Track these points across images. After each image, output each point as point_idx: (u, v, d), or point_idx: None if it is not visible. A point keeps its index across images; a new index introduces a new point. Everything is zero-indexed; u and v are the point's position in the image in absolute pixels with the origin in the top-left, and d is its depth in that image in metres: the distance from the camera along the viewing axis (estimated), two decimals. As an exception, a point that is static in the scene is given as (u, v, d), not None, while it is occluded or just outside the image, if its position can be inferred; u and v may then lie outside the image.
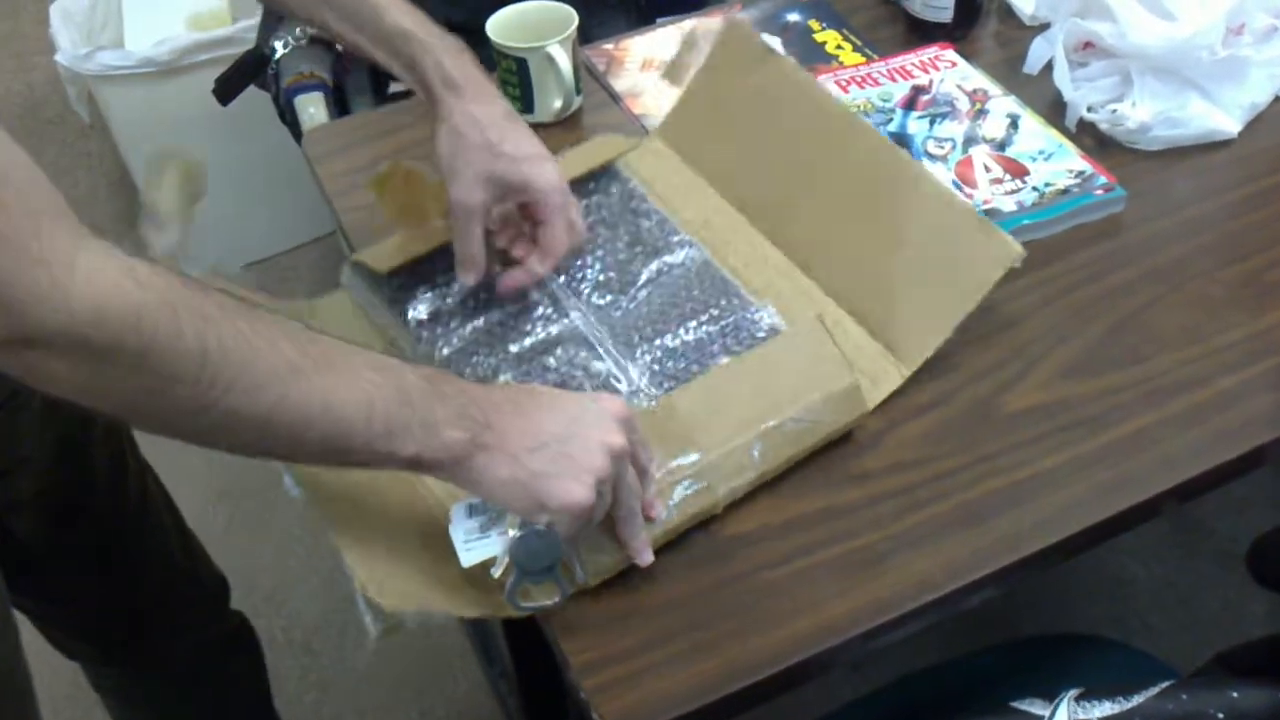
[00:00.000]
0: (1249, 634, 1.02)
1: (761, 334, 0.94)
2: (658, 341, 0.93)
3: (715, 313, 0.96)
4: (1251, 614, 1.66)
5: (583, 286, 0.99)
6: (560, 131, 1.19)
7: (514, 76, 1.17)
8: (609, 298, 0.98)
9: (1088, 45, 1.19)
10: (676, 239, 1.01)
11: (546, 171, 0.90)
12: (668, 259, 1.00)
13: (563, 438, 0.73)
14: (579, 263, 1.00)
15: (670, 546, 0.82)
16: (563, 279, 0.99)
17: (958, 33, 1.26)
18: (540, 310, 0.97)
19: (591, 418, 0.74)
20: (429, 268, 0.99)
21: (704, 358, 0.93)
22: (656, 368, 0.92)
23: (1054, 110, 1.15)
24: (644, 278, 0.99)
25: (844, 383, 0.87)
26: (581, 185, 1.05)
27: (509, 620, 1.31)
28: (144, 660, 1.21)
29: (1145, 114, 1.10)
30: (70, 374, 0.59)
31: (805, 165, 1.01)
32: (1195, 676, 0.92)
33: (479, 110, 0.90)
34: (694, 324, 0.95)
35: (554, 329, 0.95)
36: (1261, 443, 0.88)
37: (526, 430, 0.73)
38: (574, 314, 0.96)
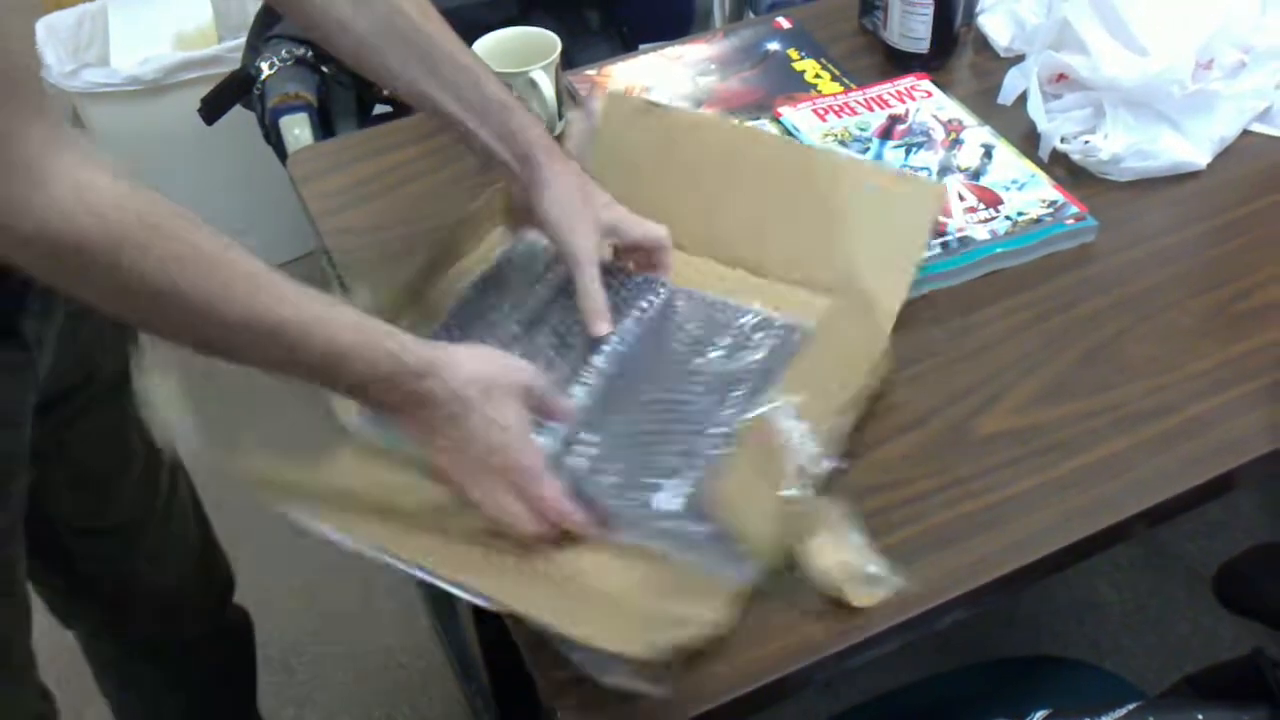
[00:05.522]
0: (1218, 657, 1.04)
1: (776, 330, 0.95)
2: (686, 391, 0.92)
3: (723, 329, 0.96)
4: (1221, 637, 1.68)
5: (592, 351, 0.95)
6: (543, 155, 1.20)
7: (498, 101, 1.18)
8: (619, 347, 0.95)
9: (1061, 77, 1.21)
10: (641, 282, 0.99)
11: (650, 225, 0.97)
12: (643, 303, 0.98)
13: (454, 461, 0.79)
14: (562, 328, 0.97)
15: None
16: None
17: (934, 63, 1.28)
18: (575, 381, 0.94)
19: (488, 470, 0.79)
20: None
21: (733, 376, 0.93)
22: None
23: (1027, 140, 1.17)
24: (629, 323, 0.97)
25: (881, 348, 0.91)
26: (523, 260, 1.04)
27: (486, 639, 1.32)
28: (144, 640, 1.24)
29: (1117, 145, 1.13)
30: (18, 256, 0.63)
31: (721, 185, 1.03)
32: (1162, 698, 0.93)
33: (574, 172, 0.95)
34: (711, 351, 0.95)
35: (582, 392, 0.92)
36: (1230, 468, 0.90)
37: (437, 437, 0.79)
38: (598, 365, 0.93)
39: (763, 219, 1.01)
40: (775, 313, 0.97)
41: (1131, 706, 0.79)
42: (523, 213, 0.96)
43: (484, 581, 0.76)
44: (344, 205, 1.17)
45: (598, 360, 0.93)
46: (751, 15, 1.90)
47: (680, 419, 0.90)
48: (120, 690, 1.33)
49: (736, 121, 1.15)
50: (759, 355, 0.93)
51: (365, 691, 1.73)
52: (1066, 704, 0.82)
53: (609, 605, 0.79)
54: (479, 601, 0.74)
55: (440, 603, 1.70)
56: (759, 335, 0.95)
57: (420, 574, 0.76)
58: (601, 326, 0.93)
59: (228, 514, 1.28)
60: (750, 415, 0.87)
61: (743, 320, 0.97)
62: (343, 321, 0.73)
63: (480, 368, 0.79)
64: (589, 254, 0.93)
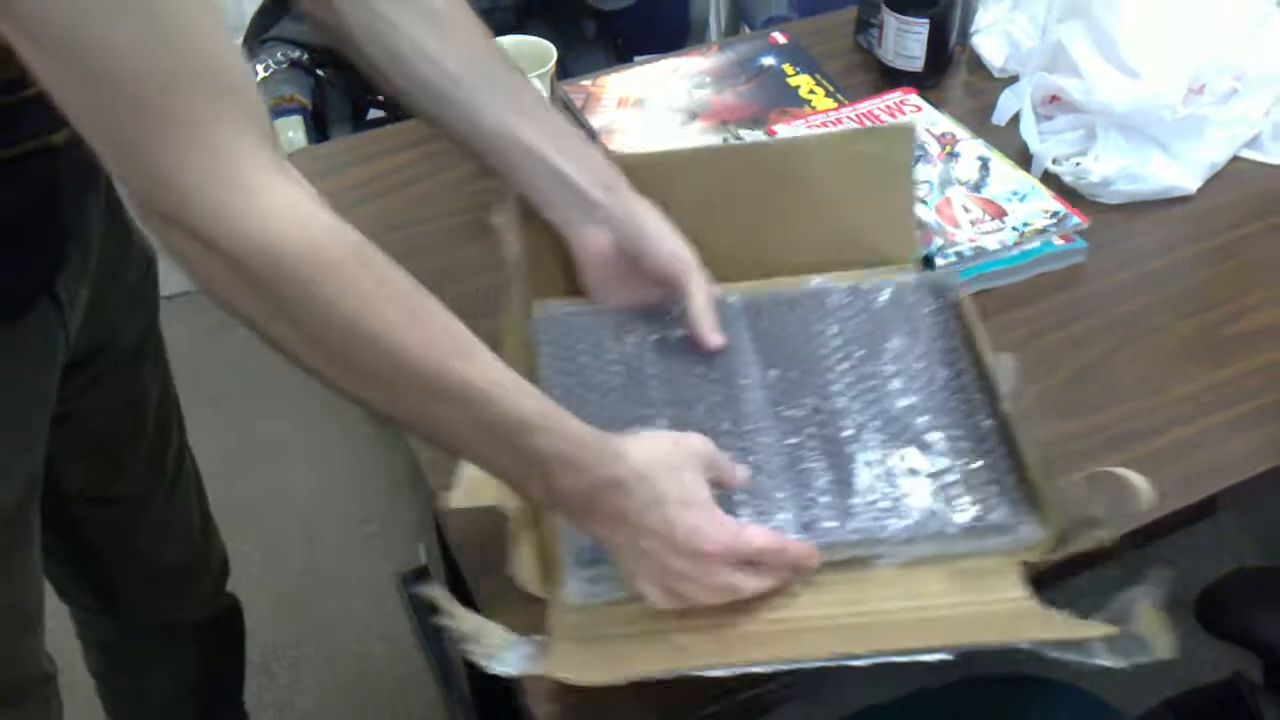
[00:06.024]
0: (1196, 679, 1.04)
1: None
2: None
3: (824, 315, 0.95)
4: (1201, 660, 1.68)
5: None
6: (537, 164, 1.20)
7: (493, 108, 1.18)
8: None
9: (1054, 99, 1.22)
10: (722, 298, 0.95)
11: None
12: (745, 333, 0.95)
13: (645, 563, 0.75)
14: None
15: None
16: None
17: (928, 82, 1.28)
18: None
19: (684, 559, 0.74)
20: None
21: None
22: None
23: (1020, 160, 1.17)
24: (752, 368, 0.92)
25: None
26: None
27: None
28: (140, 619, 1.25)
29: (1107, 168, 1.13)
30: (211, 274, 0.62)
31: (696, 212, 0.97)
32: (1143, 720, 0.93)
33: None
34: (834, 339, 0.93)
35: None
36: (1214, 491, 0.90)
37: (622, 533, 0.74)
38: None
39: (753, 226, 1.01)
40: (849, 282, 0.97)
41: (1113, 727, 0.79)
42: (603, 254, 0.92)
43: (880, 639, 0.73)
44: (337, 209, 1.16)
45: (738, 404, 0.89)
46: (747, 30, 1.91)
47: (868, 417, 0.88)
48: (109, 670, 1.34)
49: (664, 149, 1.13)
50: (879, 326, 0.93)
51: (345, 697, 1.72)
52: (1047, 724, 0.82)
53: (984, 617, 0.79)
54: (934, 656, 0.71)
55: (422, 609, 1.69)
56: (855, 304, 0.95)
57: (821, 665, 0.72)
58: (716, 338, 0.90)
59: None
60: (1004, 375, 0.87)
61: (833, 298, 0.96)
62: (534, 397, 0.70)
63: (653, 446, 0.76)
64: (698, 266, 0.90)
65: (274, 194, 0.61)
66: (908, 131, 0.99)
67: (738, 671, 0.72)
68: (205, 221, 0.60)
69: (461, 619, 0.71)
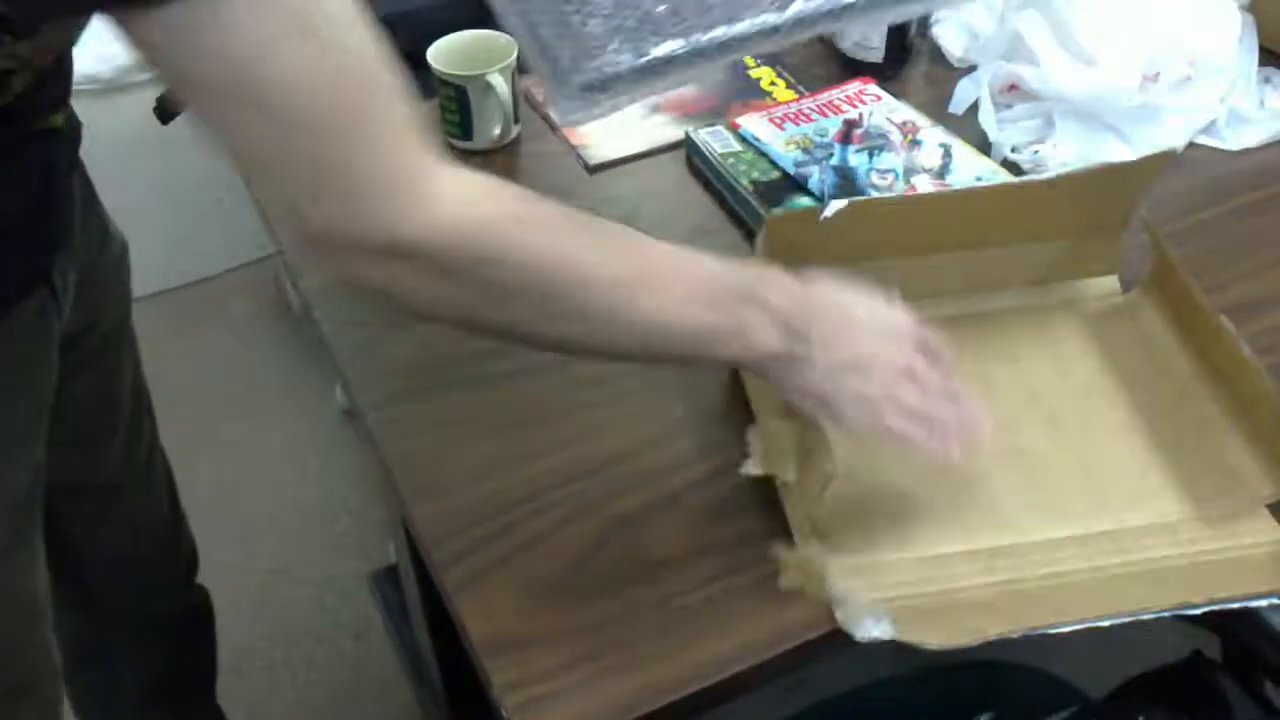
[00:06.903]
0: (1160, 659, 1.05)
1: None
2: None
3: None
4: (1164, 641, 1.70)
5: None
6: (499, 159, 1.21)
7: (453, 104, 1.18)
8: None
9: (1013, 88, 1.22)
10: None
11: None
12: None
13: (870, 361, 0.76)
14: None
15: (593, 568, 0.83)
16: None
17: (888, 73, 1.29)
18: None
19: (892, 340, 0.78)
20: None
21: None
22: None
23: (979, 149, 1.18)
24: None
25: None
26: None
27: (440, 643, 1.32)
28: (109, 612, 1.25)
29: (1065, 155, 1.14)
30: (424, 284, 0.65)
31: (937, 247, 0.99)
32: (1105, 702, 0.95)
33: None
34: None
35: None
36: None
37: (843, 345, 0.76)
38: None
39: (977, 251, 1.00)
40: None
41: (1074, 709, 0.80)
42: None
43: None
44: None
45: None
46: (711, 22, 1.91)
47: None
48: (79, 667, 1.33)
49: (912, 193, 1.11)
50: None
51: (317, 696, 1.72)
52: (1011, 707, 0.83)
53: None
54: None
55: (393, 606, 1.70)
56: None
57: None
58: None
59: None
60: None
61: None
62: (706, 261, 0.74)
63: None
64: None
65: (447, 178, 0.64)
66: (1157, 160, 0.99)
67: (1076, 627, 0.81)
68: (403, 227, 0.62)
69: (831, 584, 0.78)
